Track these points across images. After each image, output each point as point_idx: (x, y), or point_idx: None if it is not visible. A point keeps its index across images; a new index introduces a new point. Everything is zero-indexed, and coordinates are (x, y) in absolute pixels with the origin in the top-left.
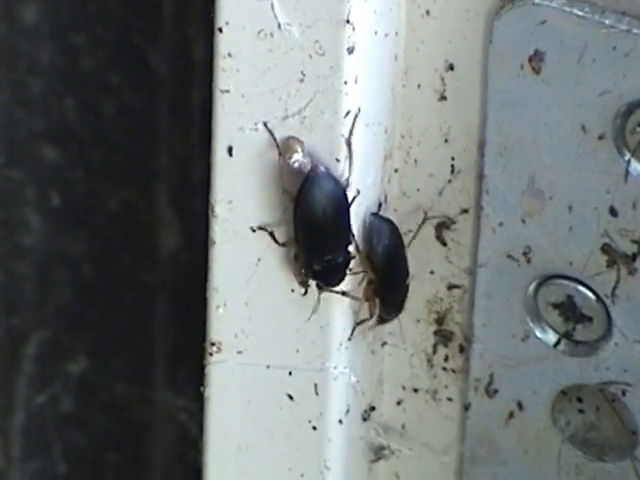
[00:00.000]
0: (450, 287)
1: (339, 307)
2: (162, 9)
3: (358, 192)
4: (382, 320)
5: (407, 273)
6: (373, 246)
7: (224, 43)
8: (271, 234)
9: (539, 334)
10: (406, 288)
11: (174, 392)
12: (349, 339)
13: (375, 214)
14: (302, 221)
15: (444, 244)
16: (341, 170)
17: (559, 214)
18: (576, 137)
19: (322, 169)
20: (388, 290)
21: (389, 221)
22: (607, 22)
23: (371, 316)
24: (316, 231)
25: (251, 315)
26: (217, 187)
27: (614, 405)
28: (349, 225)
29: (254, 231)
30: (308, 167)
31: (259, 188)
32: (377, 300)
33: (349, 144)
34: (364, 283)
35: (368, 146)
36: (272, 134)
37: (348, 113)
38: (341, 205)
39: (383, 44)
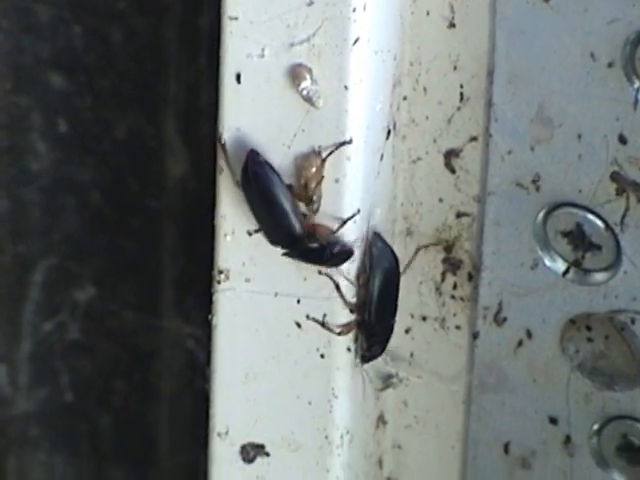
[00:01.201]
0: (459, 215)
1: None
2: None
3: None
4: (366, 359)
5: (395, 311)
6: (373, 272)
7: None
8: None
9: (548, 262)
10: (391, 327)
11: (182, 319)
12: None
13: (378, 236)
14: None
15: (453, 172)
16: (348, 100)
17: (568, 142)
18: (585, 65)
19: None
20: (374, 330)
21: (392, 250)
22: None
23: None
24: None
25: (259, 243)
26: (225, 114)
27: (623, 334)
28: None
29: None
30: (317, 95)
31: (267, 115)
32: (360, 339)
33: (322, 163)
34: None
35: (377, 73)
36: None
37: (357, 40)
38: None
39: None
